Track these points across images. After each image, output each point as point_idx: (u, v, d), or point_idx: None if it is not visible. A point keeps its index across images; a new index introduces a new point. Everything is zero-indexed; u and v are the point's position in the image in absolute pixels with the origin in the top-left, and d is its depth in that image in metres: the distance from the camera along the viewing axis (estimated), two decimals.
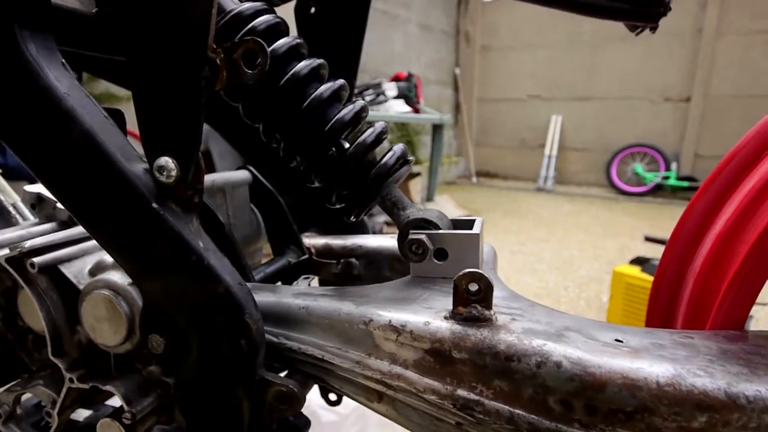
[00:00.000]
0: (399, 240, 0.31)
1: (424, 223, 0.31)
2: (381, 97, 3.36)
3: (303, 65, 0.31)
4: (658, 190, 4.62)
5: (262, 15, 0.31)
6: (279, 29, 0.32)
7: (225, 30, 0.29)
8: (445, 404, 0.24)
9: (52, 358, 0.38)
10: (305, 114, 0.30)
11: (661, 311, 0.36)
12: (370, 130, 0.31)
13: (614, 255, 2.65)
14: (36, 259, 0.35)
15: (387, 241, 0.43)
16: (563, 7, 0.46)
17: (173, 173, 0.24)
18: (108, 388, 0.36)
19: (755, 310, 1.77)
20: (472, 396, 0.23)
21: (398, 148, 0.32)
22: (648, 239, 2.16)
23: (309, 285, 0.37)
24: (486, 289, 0.24)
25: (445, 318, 0.25)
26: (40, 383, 0.40)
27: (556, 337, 0.23)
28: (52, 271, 0.37)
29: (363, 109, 0.31)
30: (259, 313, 0.27)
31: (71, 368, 0.37)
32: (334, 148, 0.30)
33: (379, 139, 0.32)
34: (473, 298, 0.25)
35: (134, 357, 0.36)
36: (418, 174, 3.46)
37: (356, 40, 0.46)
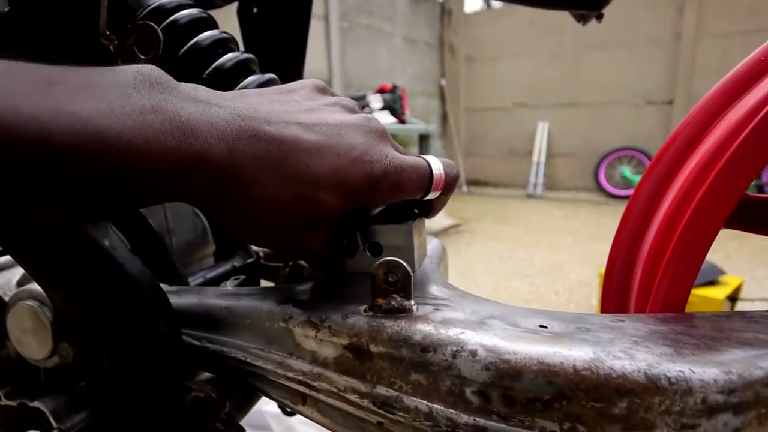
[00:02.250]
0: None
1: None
2: (366, 109, 3.37)
3: (230, 56, 0.30)
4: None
5: (186, 9, 0.30)
6: (204, 22, 0.31)
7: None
8: (366, 403, 0.23)
9: None
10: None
11: (615, 299, 0.35)
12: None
13: (604, 258, 2.64)
14: None
15: None
16: (515, 1, 0.46)
17: None
18: (36, 404, 0.34)
19: (744, 306, 1.77)
20: (391, 392, 0.22)
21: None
22: None
23: (236, 285, 0.35)
24: (404, 279, 0.23)
25: (364, 311, 0.24)
26: None
27: (476, 325, 0.22)
28: None
29: (271, 81, 0.30)
30: (175, 315, 0.26)
31: None
32: None
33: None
34: (392, 288, 0.23)
35: (65, 371, 0.34)
36: None
37: (300, 41, 0.45)
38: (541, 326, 0.22)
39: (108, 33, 0.22)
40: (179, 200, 0.20)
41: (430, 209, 0.29)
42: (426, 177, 0.25)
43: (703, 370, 0.19)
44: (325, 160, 0.21)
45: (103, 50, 0.22)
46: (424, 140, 3.61)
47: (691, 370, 0.19)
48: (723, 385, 0.18)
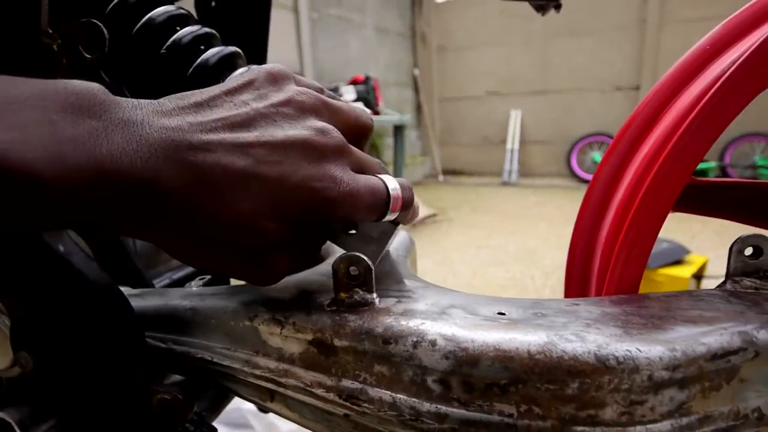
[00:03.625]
0: None
1: None
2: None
3: (189, 30, 0.30)
4: None
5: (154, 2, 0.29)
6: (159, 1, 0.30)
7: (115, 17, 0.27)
8: (332, 396, 0.23)
9: None
10: (193, 83, 0.28)
11: (576, 283, 0.36)
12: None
13: None
14: None
15: None
16: None
17: None
18: (1, 415, 0.34)
19: (710, 284, 1.84)
20: (356, 385, 0.22)
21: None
22: None
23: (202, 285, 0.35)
24: (365, 273, 0.23)
25: (328, 306, 0.24)
26: None
27: (436, 315, 0.22)
28: None
29: (234, 55, 0.30)
30: (136, 318, 0.25)
31: None
32: None
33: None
34: (353, 282, 0.23)
35: (28, 381, 0.34)
36: None
37: (261, 32, 0.44)
38: (500, 314, 0.23)
39: (50, 31, 0.22)
40: (98, 231, 0.19)
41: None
42: (382, 200, 0.24)
43: (649, 348, 0.19)
44: (254, 192, 0.20)
45: (46, 50, 0.22)
46: (398, 131, 3.61)
47: (638, 348, 0.19)
48: (668, 362, 0.19)
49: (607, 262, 0.32)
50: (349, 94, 3.43)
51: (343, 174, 0.22)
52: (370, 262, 0.23)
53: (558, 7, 0.43)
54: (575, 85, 5.00)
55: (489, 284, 2.19)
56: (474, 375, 0.20)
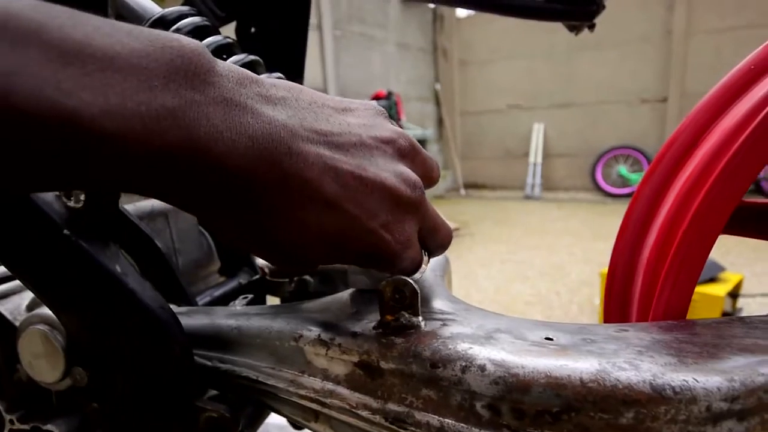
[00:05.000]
0: None
1: None
2: None
3: (235, 59, 0.31)
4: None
5: (187, 18, 0.31)
6: (206, 30, 0.31)
7: None
8: (378, 419, 0.23)
9: None
10: None
11: (616, 306, 0.35)
12: None
13: (604, 257, 2.65)
14: None
15: None
16: (504, 12, 0.47)
17: (81, 196, 0.24)
18: (49, 427, 0.35)
19: (746, 303, 1.77)
20: (403, 408, 0.22)
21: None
22: None
23: (245, 304, 0.36)
24: (411, 296, 0.23)
25: (373, 328, 0.24)
26: None
27: (483, 339, 0.22)
28: None
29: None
30: (186, 336, 0.26)
31: (10, 409, 0.36)
32: None
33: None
34: (399, 306, 0.24)
35: (77, 393, 0.35)
36: None
37: (299, 56, 0.46)
38: (547, 338, 0.22)
39: None
40: (176, 204, 0.19)
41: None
42: (417, 269, 0.24)
43: (707, 379, 0.19)
44: (334, 219, 0.20)
45: None
46: (420, 145, 3.62)
47: (694, 378, 0.19)
48: (726, 392, 0.19)
49: (651, 286, 0.31)
50: None
51: (409, 233, 0.23)
52: (416, 287, 0.23)
53: (592, 27, 0.43)
54: (600, 97, 4.94)
55: (514, 300, 2.16)
56: (525, 402, 0.20)
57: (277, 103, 0.19)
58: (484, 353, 0.21)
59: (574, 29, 0.43)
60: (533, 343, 0.22)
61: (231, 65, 0.19)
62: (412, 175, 0.23)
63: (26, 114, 0.14)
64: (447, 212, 4.05)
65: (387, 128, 0.23)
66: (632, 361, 0.20)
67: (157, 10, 0.32)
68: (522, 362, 0.20)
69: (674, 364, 0.20)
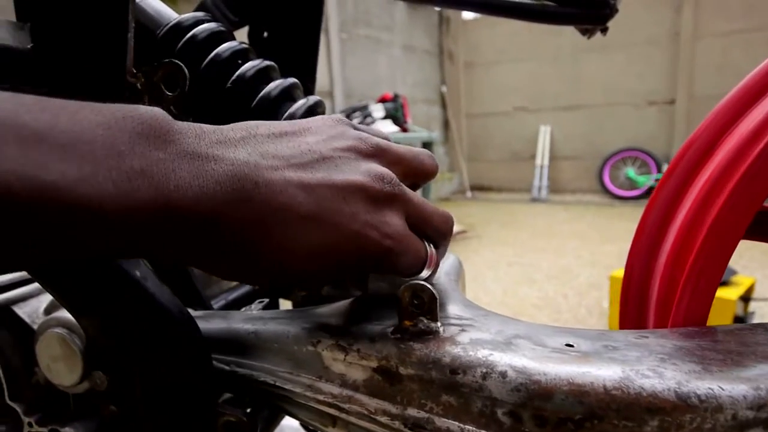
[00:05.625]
0: None
1: None
2: (368, 119, 3.39)
3: (251, 65, 0.31)
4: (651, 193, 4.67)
5: (203, 24, 0.31)
6: (222, 36, 0.32)
7: (165, 41, 0.29)
8: (397, 425, 0.23)
9: (9, 402, 0.37)
10: (257, 114, 0.30)
11: (633, 312, 0.35)
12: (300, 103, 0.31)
13: (612, 260, 2.63)
14: None
15: None
16: (517, 17, 0.47)
17: None
18: (67, 430, 0.35)
19: (758, 306, 1.75)
20: (422, 414, 0.22)
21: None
22: None
23: (261, 308, 0.36)
24: (430, 302, 0.23)
25: (392, 334, 0.24)
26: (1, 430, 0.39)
27: (504, 345, 0.22)
28: (4, 312, 0.36)
29: (317, 105, 0.31)
30: (205, 340, 0.26)
31: (28, 412, 0.36)
32: None
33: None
34: (418, 311, 0.24)
35: (94, 396, 0.35)
36: None
37: (311, 60, 0.46)
38: (568, 345, 0.22)
39: (135, 71, 0.23)
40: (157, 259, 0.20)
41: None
42: (422, 264, 0.24)
43: (732, 387, 0.19)
44: (317, 233, 0.20)
45: (130, 88, 0.23)
46: (426, 147, 3.62)
47: (720, 387, 0.19)
48: (752, 401, 0.19)
49: (669, 291, 0.31)
50: (378, 111, 3.48)
51: (396, 226, 0.22)
52: (435, 292, 0.23)
53: (605, 30, 0.43)
54: (606, 100, 4.92)
55: (522, 303, 2.15)
56: (547, 409, 0.20)
57: (237, 144, 0.20)
58: (505, 360, 0.21)
59: (587, 32, 0.43)
60: (554, 350, 0.22)
61: (188, 123, 0.20)
62: (383, 170, 0.23)
63: (7, 193, 0.14)
64: (453, 215, 4.04)
65: (348, 136, 0.24)
66: (656, 369, 0.20)
67: (174, 16, 0.32)
68: (544, 369, 0.20)
69: (698, 371, 0.20)
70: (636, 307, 0.35)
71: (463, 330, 0.24)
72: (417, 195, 0.25)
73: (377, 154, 0.24)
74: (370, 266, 0.23)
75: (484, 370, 0.21)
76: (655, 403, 0.19)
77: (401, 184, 0.23)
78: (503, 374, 0.21)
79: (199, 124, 0.20)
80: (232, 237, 0.19)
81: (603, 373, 0.20)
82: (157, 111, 0.19)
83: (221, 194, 0.18)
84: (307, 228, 0.20)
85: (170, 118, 0.19)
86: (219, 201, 0.18)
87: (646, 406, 0.19)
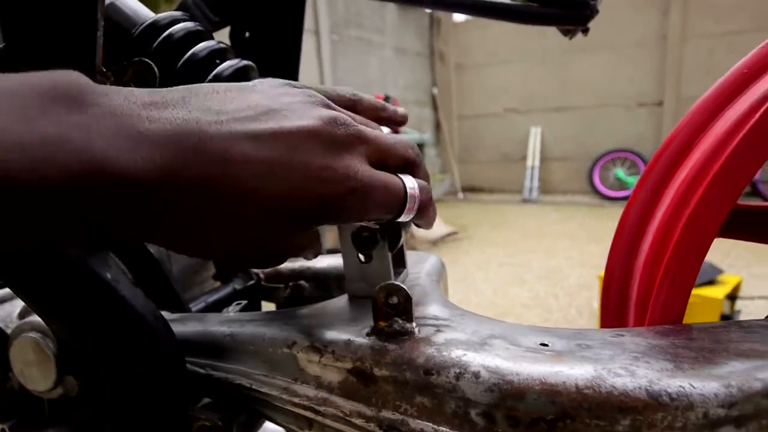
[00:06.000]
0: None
1: None
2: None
3: (228, 64, 0.31)
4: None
5: (180, 23, 0.31)
6: (199, 35, 0.31)
7: (141, 41, 0.29)
8: (372, 427, 0.23)
9: None
10: None
11: (613, 311, 0.35)
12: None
13: (602, 260, 2.65)
14: None
15: (336, 261, 0.42)
16: (499, 17, 0.47)
17: None
18: None
19: (744, 305, 1.77)
20: (397, 416, 0.22)
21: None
22: None
23: (239, 310, 0.35)
24: (405, 302, 0.23)
25: (367, 335, 0.24)
26: None
27: (478, 345, 0.22)
28: None
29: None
30: (178, 344, 0.26)
31: (3, 418, 0.35)
32: None
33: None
34: (393, 311, 0.23)
35: (69, 402, 0.34)
36: None
37: (293, 61, 0.46)
38: (542, 344, 0.22)
39: (104, 70, 0.23)
40: (100, 235, 0.17)
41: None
42: (398, 199, 0.22)
43: (703, 385, 0.19)
44: (276, 182, 0.19)
45: None
46: (418, 149, 3.63)
47: (691, 384, 0.19)
48: (723, 398, 0.19)
49: (647, 290, 0.31)
50: None
51: (357, 165, 0.21)
52: (409, 292, 0.23)
53: (586, 31, 0.43)
54: (596, 101, 4.96)
55: (512, 303, 2.16)
56: (519, 409, 0.20)
57: (175, 104, 0.18)
58: (479, 360, 0.21)
59: (569, 33, 0.43)
60: (528, 349, 0.22)
61: (116, 87, 0.18)
62: (338, 114, 0.22)
63: None
64: (445, 216, 4.05)
65: (295, 92, 0.22)
66: (628, 367, 0.20)
67: (150, 16, 0.32)
68: (517, 369, 0.20)
69: (670, 369, 0.20)
70: (616, 305, 0.35)
71: (438, 330, 0.24)
72: (374, 130, 0.23)
73: (326, 103, 0.23)
74: (338, 215, 0.21)
75: (458, 371, 0.21)
76: (627, 402, 0.19)
77: (357, 124, 0.22)
78: (476, 374, 0.20)
79: (130, 88, 0.18)
80: (178, 202, 0.17)
81: (575, 372, 0.20)
82: (73, 73, 0.17)
83: (160, 157, 0.17)
84: (261, 181, 0.19)
85: (89, 80, 0.17)
86: (158, 164, 0.17)
87: (618, 405, 0.19)
